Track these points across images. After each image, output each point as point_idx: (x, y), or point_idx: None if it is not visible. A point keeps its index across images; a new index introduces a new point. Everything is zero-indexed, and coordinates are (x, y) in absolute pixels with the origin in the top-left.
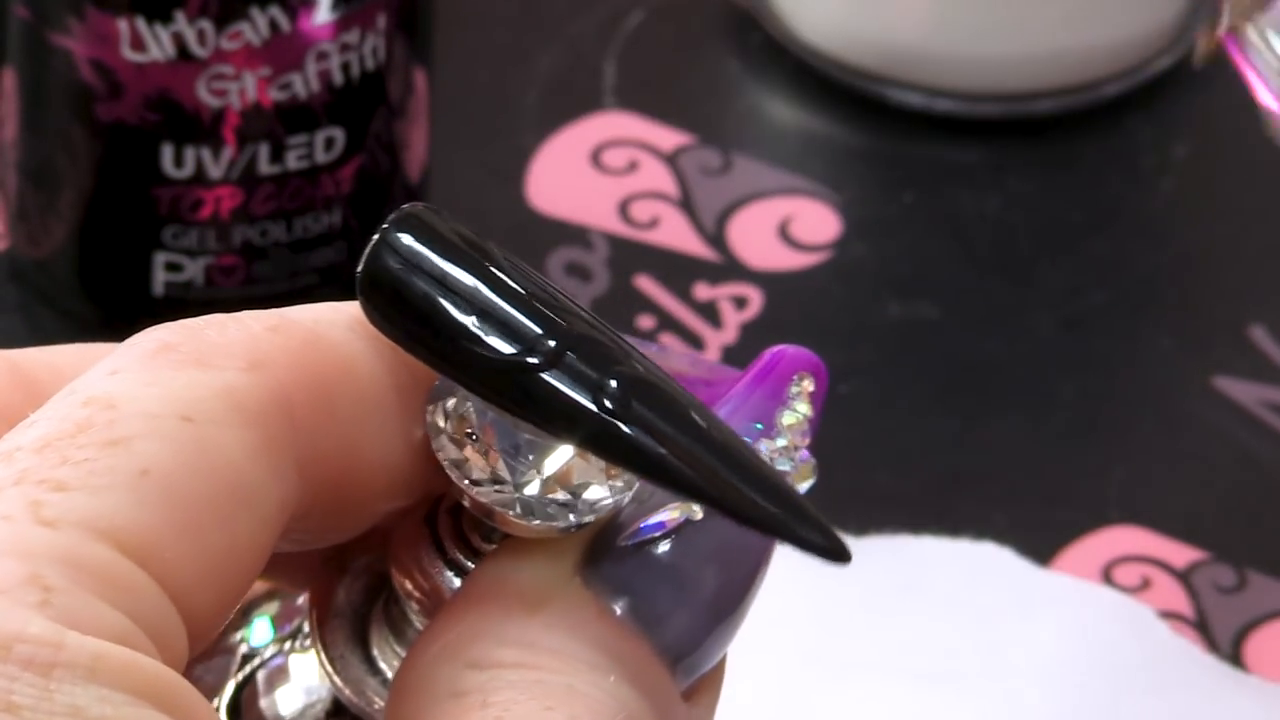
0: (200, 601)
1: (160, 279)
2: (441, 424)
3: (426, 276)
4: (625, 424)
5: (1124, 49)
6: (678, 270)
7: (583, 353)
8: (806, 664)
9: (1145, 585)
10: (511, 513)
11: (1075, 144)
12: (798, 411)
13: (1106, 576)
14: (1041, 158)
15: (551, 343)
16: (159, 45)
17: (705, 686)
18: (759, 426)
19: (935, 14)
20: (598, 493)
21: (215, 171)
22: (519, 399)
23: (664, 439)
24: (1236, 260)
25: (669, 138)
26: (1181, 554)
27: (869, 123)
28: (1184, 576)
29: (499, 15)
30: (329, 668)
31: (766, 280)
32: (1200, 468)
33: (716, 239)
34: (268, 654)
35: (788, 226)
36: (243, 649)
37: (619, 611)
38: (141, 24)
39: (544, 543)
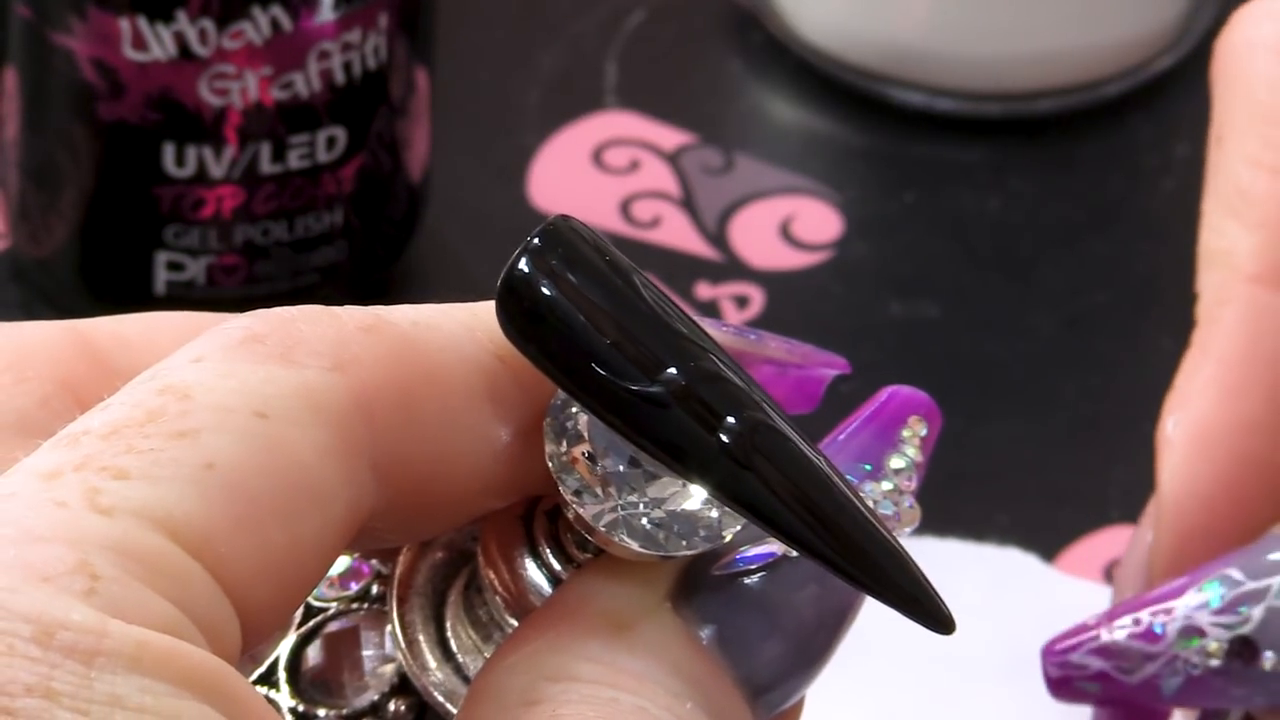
0: (257, 597)
1: (162, 278)
2: (558, 436)
3: (568, 293)
4: (744, 470)
5: (1125, 49)
6: (679, 270)
7: (712, 392)
8: (827, 671)
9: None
10: (614, 535)
11: (1076, 144)
12: (906, 455)
13: (1108, 576)
14: (1043, 157)
15: (683, 380)
16: (160, 44)
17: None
18: (867, 468)
19: (937, 14)
20: (705, 527)
21: (217, 171)
22: (641, 430)
23: (782, 491)
24: None
25: (670, 137)
26: None
27: (870, 123)
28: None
29: (500, 14)
30: (404, 650)
31: (768, 280)
32: None
33: (718, 238)
34: (332, 611)
35: (789, 226)
36: (306, 600)
37: (705, 640)
38: (143, 23)
39: (639, 565)
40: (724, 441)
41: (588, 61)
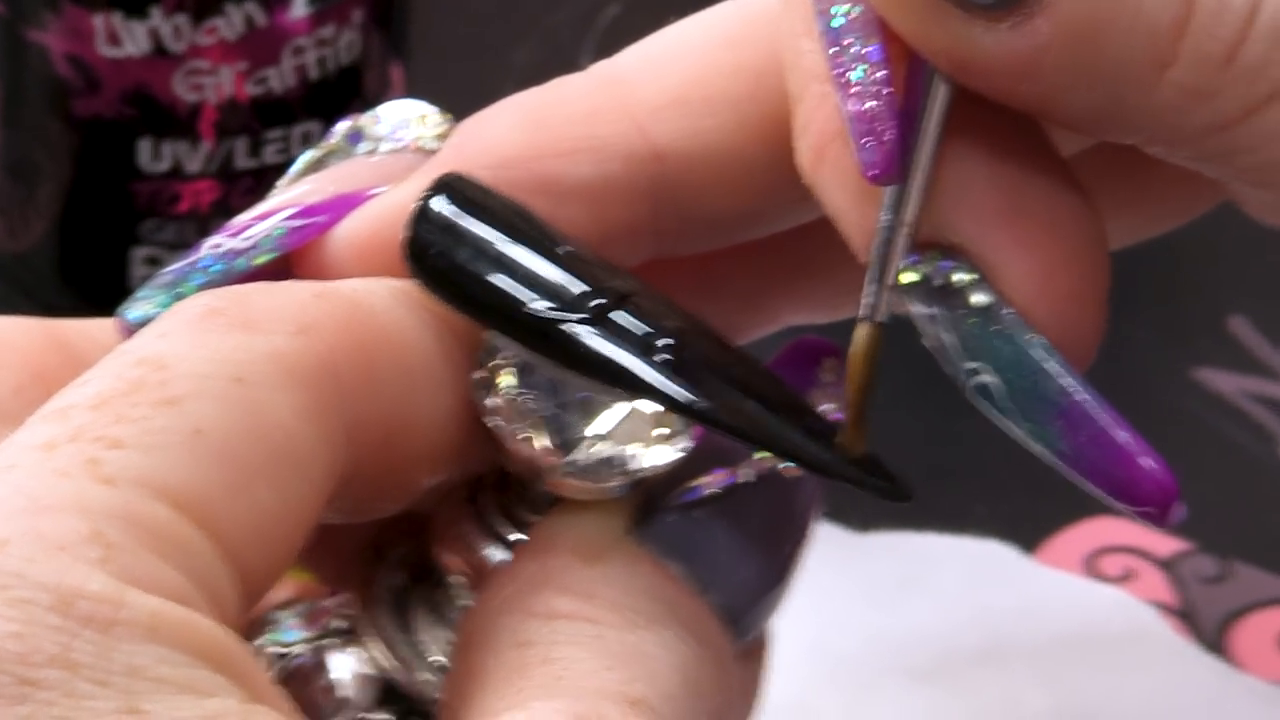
0: (252, 562)
1: (138, 273)
2: (488, 384)
3: (468, 239)
4: (680, 372)
5: None
6: None
7: (633, 307)
8: (805, 658)
9: (1129, 576)
10: (561, 473)
11: None
12: (828, 392)
13: (1090, 567)
14: None
15: (597, 299)
16: (135, 40)
17: (755, 650)
18: None
19: None
20: (646, 453)
21: (193, 165)
22: (569, 353)
23: (718, 386)
24: (1216, 252)
25: None
26: (1165, 544)
27: None
28: (1168, 566)
29: (475, 9)
30: (378, 650)
31: None
32: (1182, 459)
33: None
34: (297, 651)
35: None
36: (272, 649)
37: (674, 568)
38: (118, 19)
39: (596, 503)
40: (654, 350)
41: (563, 54)
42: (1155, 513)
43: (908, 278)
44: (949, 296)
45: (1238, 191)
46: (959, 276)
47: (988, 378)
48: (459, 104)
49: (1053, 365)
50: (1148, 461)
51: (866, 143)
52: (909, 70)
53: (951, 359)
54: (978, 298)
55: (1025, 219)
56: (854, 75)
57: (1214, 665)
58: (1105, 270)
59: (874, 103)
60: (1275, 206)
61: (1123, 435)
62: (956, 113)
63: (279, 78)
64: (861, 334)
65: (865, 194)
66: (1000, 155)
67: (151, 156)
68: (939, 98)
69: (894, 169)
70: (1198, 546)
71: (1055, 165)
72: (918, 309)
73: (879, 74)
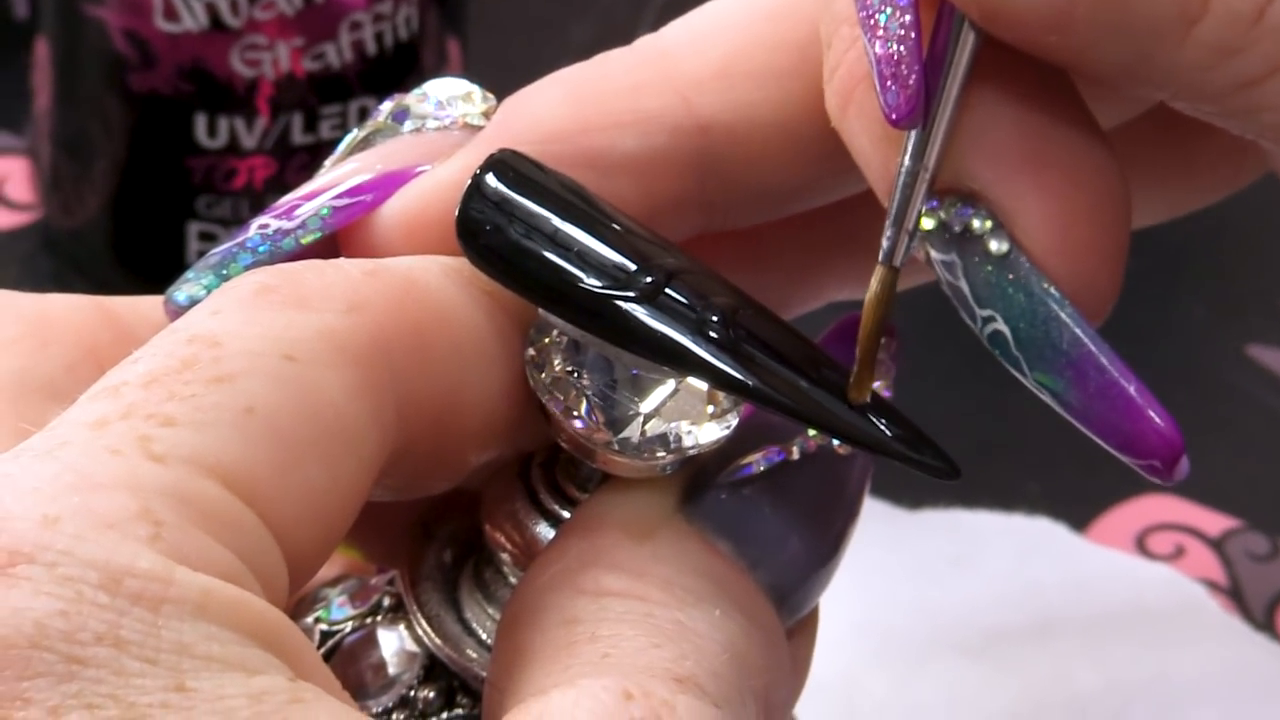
0: (301, 540)
1: (194, 248)
2: (541, 361)
3: (520, 216)
4: (732, 350)
5: None
6: None
7: (683, 285)
8: (856, 635)
9: (1179, 553)
10: (611, 450)
11: None
12: (880, 367)
13: (1140, 544)
14: None
15: (649, 277)
16: (192, 15)
17: (803, 628)
18: None
19: None
20: (696, 431)
21: (249, 141)
22: (621, 330)
23: (768, 363)
24: (1269, 229)
25: None
26: (1215, 522)
27: None
28: (1217, 545)
29: None
30: (425, 627)
31: None
32: (1233, 436)
33: None
34: (347, 629)
35: None
36: (320, 628)
37: (723, 547)
38: None
39: (645, 481)
40: (707, 327)
41: (620, 31)
42: (1161, 466)
43: (927, 223)
44: (967, 243)
45: (1277, 160)
46: (977, 223)
47: (1000, 326)
48: (515, 80)
49: (1065, 315)
50: (1155, 415)
51: (891, 86)
52: (937, 16)
53: (967, 306)
54: (995, 245)
55: (1046, 167)
56: (881, 18)
57: (1263, 643)
58: (1125, 226)
59: (899, 46)
60: None
61: (1132, 388)
62: (982, 60)
63: (336, 53)
64: (878, 277)
65: (889, 138)
66: (1024, 104)
67: (207, 132)
68: (966, 45)
69: (917, 113)
70: (1247, 524)
71: (1080, 116)
72: (936, 255)
73: (906, 18)
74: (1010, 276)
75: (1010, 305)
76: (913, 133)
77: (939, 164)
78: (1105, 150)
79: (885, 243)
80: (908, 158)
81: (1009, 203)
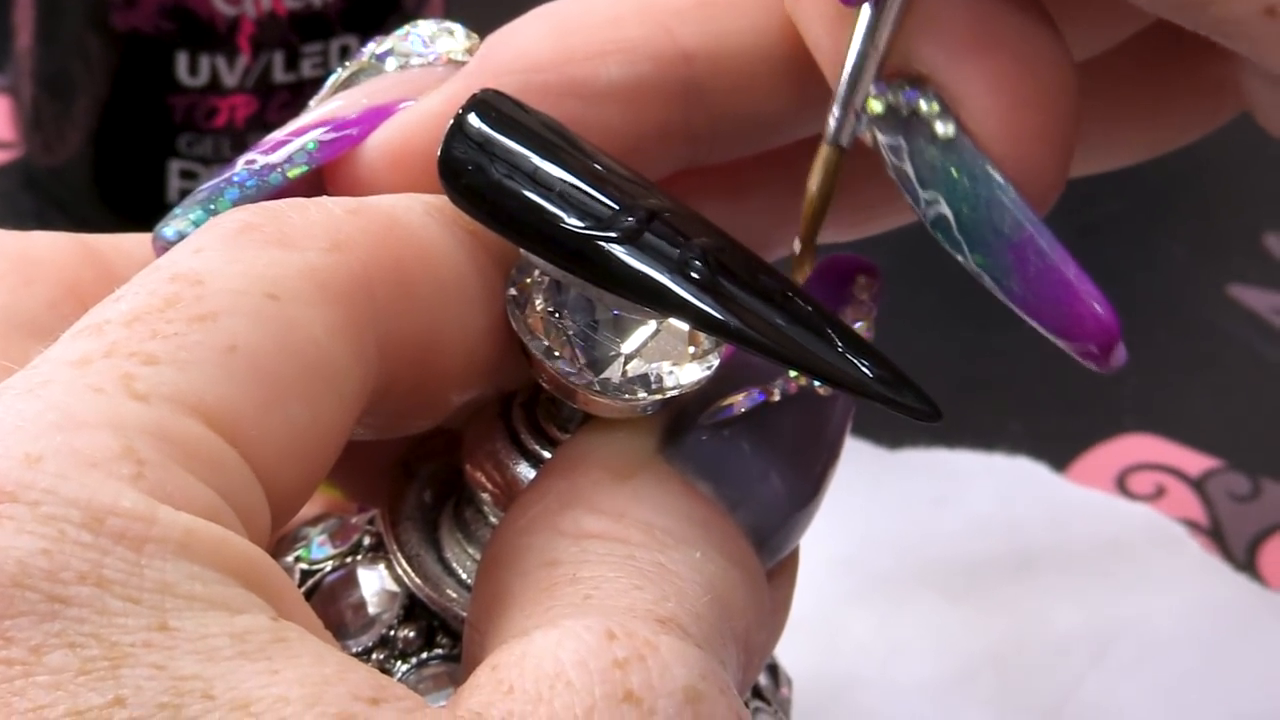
0: (284, 478)
1: (175, 187)
2: (522, 301)
3: (502, 156)
4: (713, 290)
5: None
6: None
7: (665, 225)
8: (837, 576)
9: (1160, 493)
10: (592, 391)
11: None
12: (861, 309)
13: (1121, 484)
14: None
15: (631, 217)
16: None
17: (784, 570)
18: None
19: None
20: (677, 371)
21: (230, 80)
22: (602, 271)
23: (750, 304)
24: (1252, 169)
25: None
26: (1196, 462)
27: None
28: (1198, 485)
29: None
30: (405, 566)
31: None
32: (1215, 375)
33: None
34: (327, 568)
35: None
36: (301, 567)
37: (703, 488)
38: None
39: (625, 422)
40: (688, 268)
41: None
42: (1097, 351)
43: (875, 106)
44: (913, 126)
45: (1252, 96)
46: (924, 106)
47: (943, 209)
48: (497, 21)
49: (1008, 200)
50: (1094, 301)
51: None
52: None
53: (911, 189)
54: (941, 128)
55: (994, 52)
56: None
57: (1243, 583)
58: (1072, 115)
59: None
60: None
61: (1071, 272)
62: None
63: None
64: (822, 156)
65: (840, 20)
66: None
67: (189, 70)
68: None
69: None
70: (1228, 464)
71: (1031, 4)
72: (882, 138)
73: None
74: (955, 159)
75: (954, 188)
76: (864, 14)
77: (889, 47)
78: (1055, 39)
79: (832, 123)
80: (858, 40)
81: (956, 87)
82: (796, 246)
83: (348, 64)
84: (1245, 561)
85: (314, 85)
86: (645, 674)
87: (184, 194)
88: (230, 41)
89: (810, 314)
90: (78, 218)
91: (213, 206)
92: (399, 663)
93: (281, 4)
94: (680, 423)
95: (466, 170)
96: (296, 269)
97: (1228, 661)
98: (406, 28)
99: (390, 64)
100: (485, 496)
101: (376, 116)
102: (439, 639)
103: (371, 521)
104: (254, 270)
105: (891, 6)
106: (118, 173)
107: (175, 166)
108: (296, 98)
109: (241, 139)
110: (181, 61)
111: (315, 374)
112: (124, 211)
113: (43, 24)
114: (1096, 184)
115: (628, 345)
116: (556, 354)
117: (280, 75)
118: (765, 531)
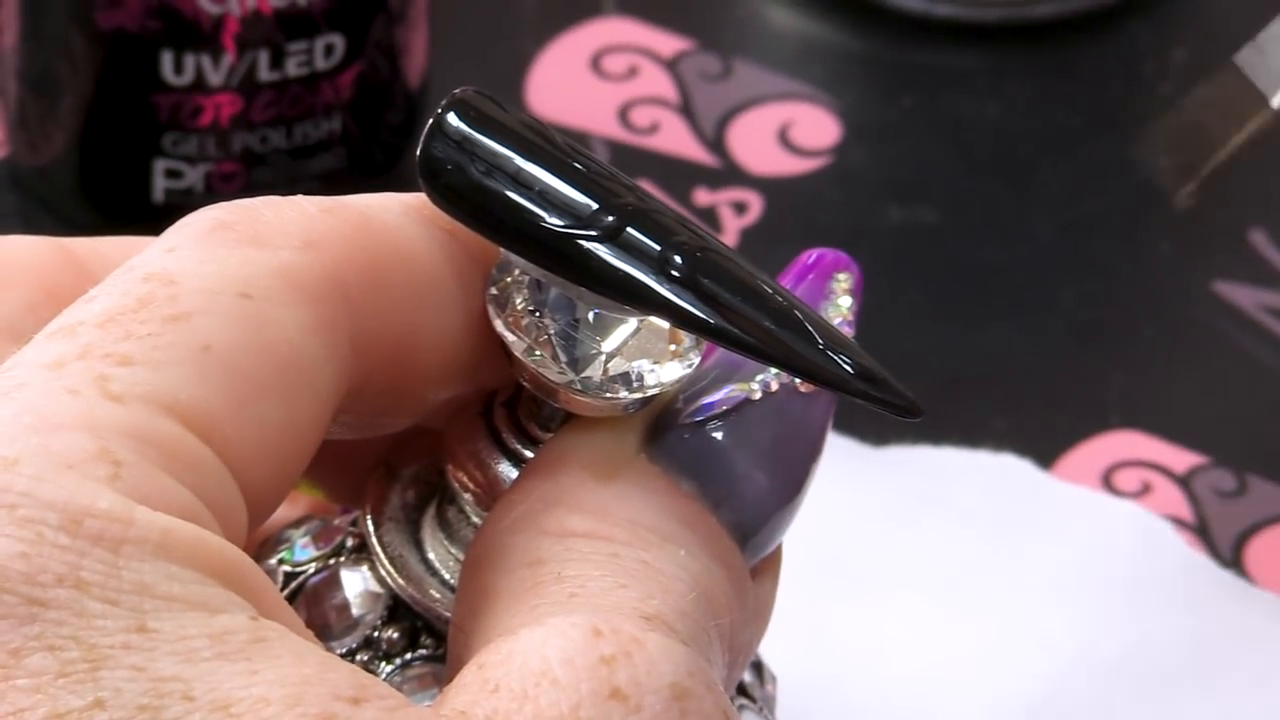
0: (259, 478)
1: (160, 186)
2: (503, 300)
3: (482, 155)
4: (693, 289)
5: None
6: (678, 175)
7: (645, 224)
8: (821, 573)
9: (1145, 490)
10: (573, 389)
11: (1075, 49)
12: (841, 305)
13: (1106, 481)
14: (1041, 62)
15: (611, 216)
16: None
17: (767, 568)
18: None
19: None
20: (658, 369)
21: (215, 78)
22: (583, 270)
23: (730, 301)
24: (1238, 166)
25: (669, 43)
26: (1181, 458)
27: (869, 27)
28: (1184, 481)
29: None
30: (388, 567)
31: (766, 185)
32: (1200, 372)
33: (716, 144)
34: (310, 570)
35: (787, 131)
36: (284, 569)
37: (686, 486)
38: None
39: (607, 421)
40: (668, 266)
41: None
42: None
43: None
44: None
45: None
46: None
47: None
48: (482, 16)
49: None
50: None
51: None
52: None
53: None
54: None
55: None
56: None
57: (1230, 581)
58: None
59: None
60: None
61: None
62: None
63: None
64: None
65: None
66: None
67: (174, 69)
68: None
69: None
70: (1214, 461)
71: None
72: None
73: None
74: None
75: None
76: None
77: None
78: None
79: None
80: None
81: None
82: None
83: None
84: (1231, 558)
85: (299, 83)
86: (632, 670)
87: (169, 193)
88: (215, 40)
89: (791, 311)
90: (62, 217)
91: None
92: (383, 664)
93: (267, 3)
94: (662, 421)
95: (446, 170)
96: (269, 268)
97: (1213, 658)
98: None
99: None
100: (468, 496)
101: None
102: (423, 640)
103: (354, 523)
104: (227, 269)
105: None
106: (103, 172)
107: (160, 165)
108: (281, 96)
109: (226, 137)
110: (166, 60)
111: (289, 372)
112: (109, 211)
113: (28, 22)
114: (1081, 181)
115: (609, 344)
116: (537, 353)
117: (265, 74)
118: (749, 529)
